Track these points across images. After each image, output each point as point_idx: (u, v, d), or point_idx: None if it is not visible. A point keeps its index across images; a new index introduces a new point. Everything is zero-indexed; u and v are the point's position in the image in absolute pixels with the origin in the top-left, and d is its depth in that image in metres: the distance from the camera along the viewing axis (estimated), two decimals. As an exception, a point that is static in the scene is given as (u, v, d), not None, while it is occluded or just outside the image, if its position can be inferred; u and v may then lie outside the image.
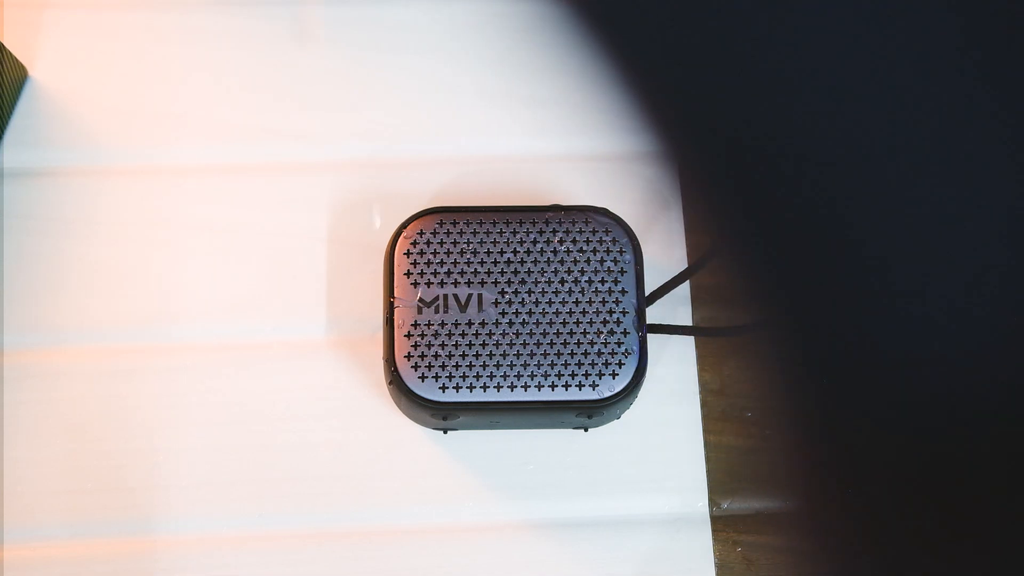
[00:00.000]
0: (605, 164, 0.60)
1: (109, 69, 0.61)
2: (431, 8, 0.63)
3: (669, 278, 0.57)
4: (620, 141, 0.61)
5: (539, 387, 0.52)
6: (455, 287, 0.53)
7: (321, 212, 0.59)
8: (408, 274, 0.53)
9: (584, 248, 0.54)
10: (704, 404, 0.57)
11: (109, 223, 0.59)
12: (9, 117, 0.60)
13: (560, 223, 0.54)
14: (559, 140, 0.61)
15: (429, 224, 0.54)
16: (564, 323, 0.53)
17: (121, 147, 0.60)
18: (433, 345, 0.52)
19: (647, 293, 0.56)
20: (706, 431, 0.57)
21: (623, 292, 0.53)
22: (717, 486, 0.56)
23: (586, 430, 0.56)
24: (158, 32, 0.62)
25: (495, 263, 0.54)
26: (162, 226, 0.59)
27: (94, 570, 0.54)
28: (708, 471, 0.56)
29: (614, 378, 0.52)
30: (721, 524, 0.56)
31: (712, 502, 0.56)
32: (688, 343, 0.58)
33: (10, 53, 0.59)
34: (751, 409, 0.57)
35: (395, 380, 0.52)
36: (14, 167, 0.59)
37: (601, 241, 0.54)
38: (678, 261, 0.59)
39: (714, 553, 0.55)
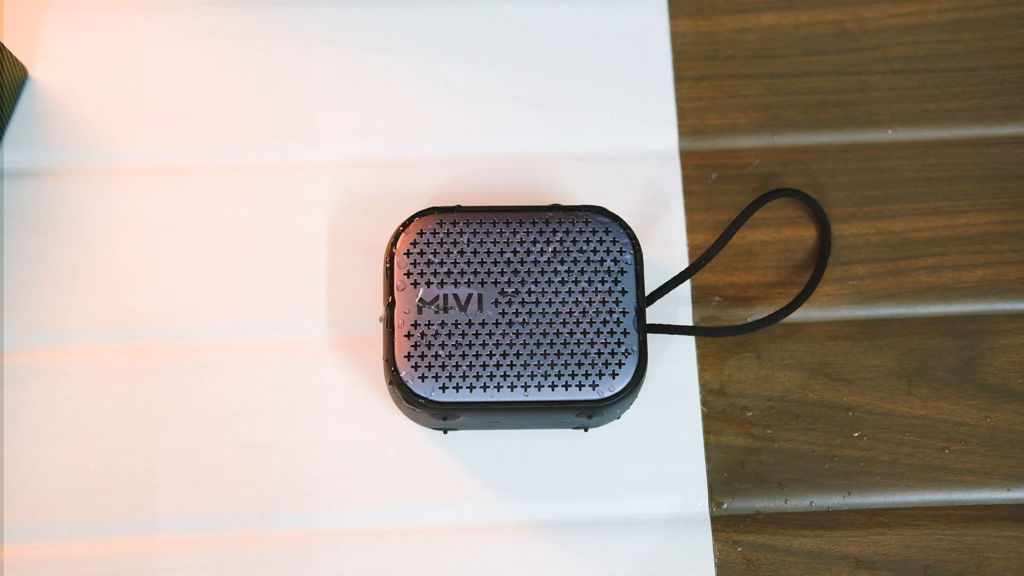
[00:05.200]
0: (605, 164, 0.60)
1: (109, 69, 0.61)
2: (432, 8, 0.63)
3: (669, 278, 0.57)
4: (620, 141, 0.61)
5: (539, 387, 0.52)
6: (455, 287, 0.53)
7: (321, 212, 0.59)
8: (408, 274, 0.53)
9: (584, 248, 0.54)
10: (704, 404, 0.57)
11: (109, 223, 0.59)
12: (9, 117, 0.60)
13: (560, 223, 0.54)
14: (559, 140, 0.61)
15: (429, 224, 0.54)
16: (564, 323, 0.53)
17: (121, 147, 0.60)
18: (433, 345, 0.52)
19: (647, 293, 0.56)
20: (706, 431, 0.57)
21: (623, 292, 0.53)
22: (717, 486, 0.56)
23: (586, 430, 0.56)
24: (158, 32, 0.62)
25: (495, 263, 0.54)
26: (162, 226, 0.59)
27: (94, 570, 0.54)
28: (708, 471, 0.56)
29: (614, 378, 0.52)
30: (721, 524, 0.56)
31: (712, 502, 0.56)
32: (688, 343, 0.58)
33: (10, 53, 0.59)
34: (752, 409, 0.57)
35: (395, 380, 0.52)
36: (14, 167, 0.59)
37: (601, 241, 0.54)
38: (678, 261, 0.59)
39: (714, 553, 0.55)
